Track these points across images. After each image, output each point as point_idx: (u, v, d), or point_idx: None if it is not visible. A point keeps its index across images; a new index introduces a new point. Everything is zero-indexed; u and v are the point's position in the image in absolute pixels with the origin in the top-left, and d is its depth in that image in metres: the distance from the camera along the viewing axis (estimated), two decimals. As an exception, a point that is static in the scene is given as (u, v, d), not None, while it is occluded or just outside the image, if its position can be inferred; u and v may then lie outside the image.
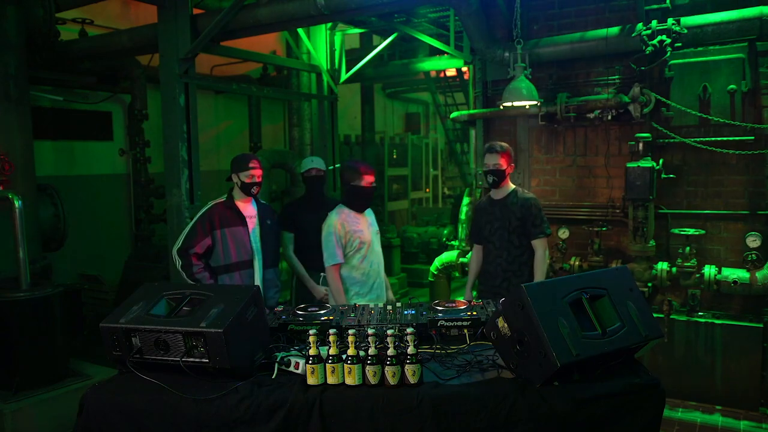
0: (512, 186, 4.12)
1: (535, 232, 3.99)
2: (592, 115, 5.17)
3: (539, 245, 4.02)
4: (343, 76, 7.37)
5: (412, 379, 2.29)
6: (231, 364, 2.31)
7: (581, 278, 2.49)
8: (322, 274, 4.61)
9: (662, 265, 4.88)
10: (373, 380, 2.29)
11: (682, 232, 4.89)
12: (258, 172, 3.95)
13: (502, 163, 3.96)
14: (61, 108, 7.68)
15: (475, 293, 4.43)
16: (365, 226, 4.05)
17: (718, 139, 4.83)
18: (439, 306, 2.95)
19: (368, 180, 3.94)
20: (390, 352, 2.29)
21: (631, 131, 5.07)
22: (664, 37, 4.53)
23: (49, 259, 5.48)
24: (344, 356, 2.32)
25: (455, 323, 2.78)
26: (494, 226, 4.06)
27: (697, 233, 4.88)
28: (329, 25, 7.02)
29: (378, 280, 4.10)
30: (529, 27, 5.56)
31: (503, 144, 4.07)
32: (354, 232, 3.94)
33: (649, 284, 4.93)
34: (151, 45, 5.76)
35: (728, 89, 4.66)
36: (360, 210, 4.03)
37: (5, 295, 4.55)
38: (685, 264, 4.78)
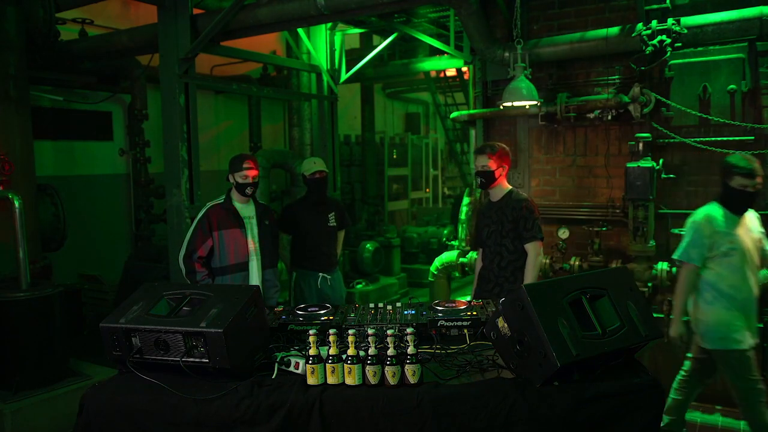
0: (508, 187, 3.99)
1: (527, 236, 3.83)
2: (592, 115, 5.17)
3: (531, 249, 3.85)
4: (343, 76, 7.37)
5: (412, 379, 2.29)
6: (231, 364, 2.31)
7: (581, 278, 2.50)
8: (320, 274, 4.62)
9: (662, 265, 4.88)
10: (373, 380, 2.30)
11: (683, 232, 4.88)
12: (253, 173, 3.92)
13: (491, 165, 3.83)
14: (61, 108, 7.68)
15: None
16: (743, 231, 3.54)
17: (718, 139, 4.82)
18: (439, 306, 2.95)
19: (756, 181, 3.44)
20: (390, 352, 2.29)
21: (631, 131, 5.07)
22: (664, 37, 4.53)
23: (49, 259, 5.48)
24: (344, 356, 2.32)
25: (455, 323, 2.79)
26: (490, 230, 3.96)
27: (697, 233, 4.87)
28: (329, 25, 7.02)
29: (750, 300, 3.54)
30: (529, 27, 5.56)
31: (494, 144, 3.94)
32: (723, 234, 3.49)
33: (649, 284, 4.93)
34: (151, 45, 5.76)
35: (728, 89, 4.66)
36: (738, 212, 3.54)
37: (5, 295, 4.55)
38: (685, 264, 4.78)
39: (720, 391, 4.76)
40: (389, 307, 2.98)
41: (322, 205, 4.69)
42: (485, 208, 4.10)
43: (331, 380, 2.33)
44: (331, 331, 2.38)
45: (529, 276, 3.86)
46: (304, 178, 4.64)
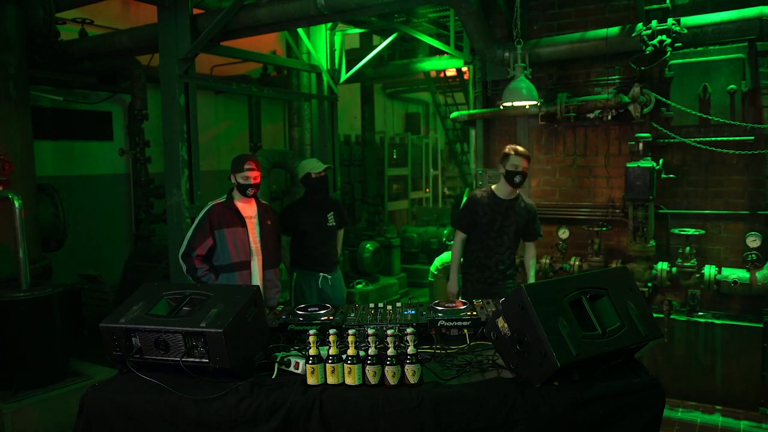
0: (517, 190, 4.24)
1: (534, 235, 4.35)
2: (592, 115, 5.17)
3: (534, 246, 4.42)
4: (343, 76, 7.36)
5: (412, 379, 2.29)
6: (231, 364, 2.31)
7: (581, 278, 2.50)
8: (321, 274, 4.61)
9: (662, 265, 4.88)
10: (373, 380, 2.30)
11: (682, 232, 4.89)
12: (255, 174, 3.91)
13: (526, 168, 4.15)
14: (61, 108, 7.67)
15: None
16: None
17: (718, 139, 4.82)
18: (439, 306, 2.95)
19: None
20: (390, 352, 2.29)
21: (631, 131, 5.07)
22: (664, 37, 4.53)
23: (49, 259, 5.48)
24: (344, 356, 2.32)
25: (455, 323, 2.79)
26: (505, 223, 4.19)
27: (697, 233, 4.88)
28: (329, 25, 7.02)
29: None
30: (529, 27, 5.56)
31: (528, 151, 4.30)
32: None
33: (649, 284, 4.93)
34: (151, 45, 5.76)
35: (728, 89, 4.66)
36: None
37: (5, 295, 4.54)
38: (685, 264, 4.78)
39: (720, 391, 4.77)
40: (389, 307, 2.99)
41: (322, 204, 4.67)
42: (490, 201, 4.20)
43: (331, 380, 2.33)
44: (331, 331, 2.38)
45: (533, 267, 4.41)
46: (308, 177, 4.57)
